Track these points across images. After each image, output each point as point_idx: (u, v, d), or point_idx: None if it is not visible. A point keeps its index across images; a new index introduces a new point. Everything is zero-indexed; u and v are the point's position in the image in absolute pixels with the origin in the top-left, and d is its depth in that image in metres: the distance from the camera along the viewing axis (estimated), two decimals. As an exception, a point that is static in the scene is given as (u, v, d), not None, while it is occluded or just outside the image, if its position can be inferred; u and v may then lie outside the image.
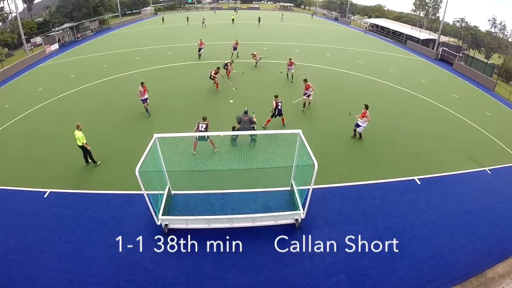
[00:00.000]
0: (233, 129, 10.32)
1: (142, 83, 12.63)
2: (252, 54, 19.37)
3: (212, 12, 51.97)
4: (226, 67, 17.68)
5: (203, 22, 35.85)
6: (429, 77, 20.85)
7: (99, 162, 9.62)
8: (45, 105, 14.35)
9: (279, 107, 11.34)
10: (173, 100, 14.28)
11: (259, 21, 38.77)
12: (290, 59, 17.02)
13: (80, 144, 9.05)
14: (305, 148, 6.30)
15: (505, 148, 11.73)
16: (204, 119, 9.64)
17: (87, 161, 9.50)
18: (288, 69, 16.93)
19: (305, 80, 13.05)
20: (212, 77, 15.45)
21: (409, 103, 15.41)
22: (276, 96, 11.46)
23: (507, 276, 6.31)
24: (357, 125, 10.97)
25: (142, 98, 12.69)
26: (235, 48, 20.98)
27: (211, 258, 6.34)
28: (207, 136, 9.25)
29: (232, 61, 18.07)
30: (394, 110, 14.30)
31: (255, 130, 10.08)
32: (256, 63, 19.02)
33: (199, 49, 20.71)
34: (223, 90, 15.58)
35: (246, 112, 10.22)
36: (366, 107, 10.61)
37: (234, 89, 15.69)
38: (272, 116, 11.55)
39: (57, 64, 22.93)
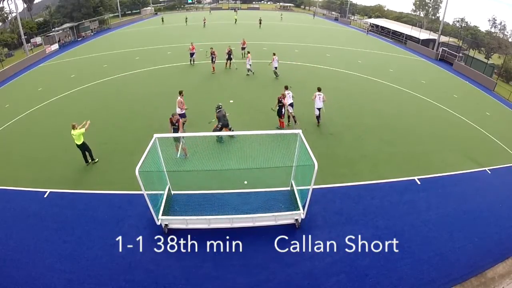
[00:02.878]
0: (214, 129, 10.27)
1: (180, 92, 11.08)
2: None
3: (208, 13, 51.60)
4: (229, 57, 18.29)
5: (204, 22, 35.89)
6: (429, 77, 20.85)
7: (97, 159, 9.65)
8: (45, 105, 14.36)
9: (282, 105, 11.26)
10: (173, 100, 14.24)
11: (260, 23, 36.46)
12: (274, 54, 17.32)
13: (80, 143, 9.03)
14: (305, 148, 6.30)
15: (505, 148, 11.73)
16: (174, 114, 9.41)
17: (86, 161, 9.50)
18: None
19: (286, 87, 11.80)
20: (229, 54, 17.83)
21: (409, 103, 15.41)
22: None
23: (507, 276, 6.31)
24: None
25: (182, 112, 10.92)
26: (243, 48, 21.17)
27: (211, 258, 6.33)
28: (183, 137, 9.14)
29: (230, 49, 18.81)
30: (394, 110, 14.30)
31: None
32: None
33: (191, 54, 19.42)
34: (223, 90, 15.56)
35: (219, 107, 10.39)
36: (286, 87, 11.79)
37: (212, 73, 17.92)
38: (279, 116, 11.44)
39: (57, 64, 22.95)
